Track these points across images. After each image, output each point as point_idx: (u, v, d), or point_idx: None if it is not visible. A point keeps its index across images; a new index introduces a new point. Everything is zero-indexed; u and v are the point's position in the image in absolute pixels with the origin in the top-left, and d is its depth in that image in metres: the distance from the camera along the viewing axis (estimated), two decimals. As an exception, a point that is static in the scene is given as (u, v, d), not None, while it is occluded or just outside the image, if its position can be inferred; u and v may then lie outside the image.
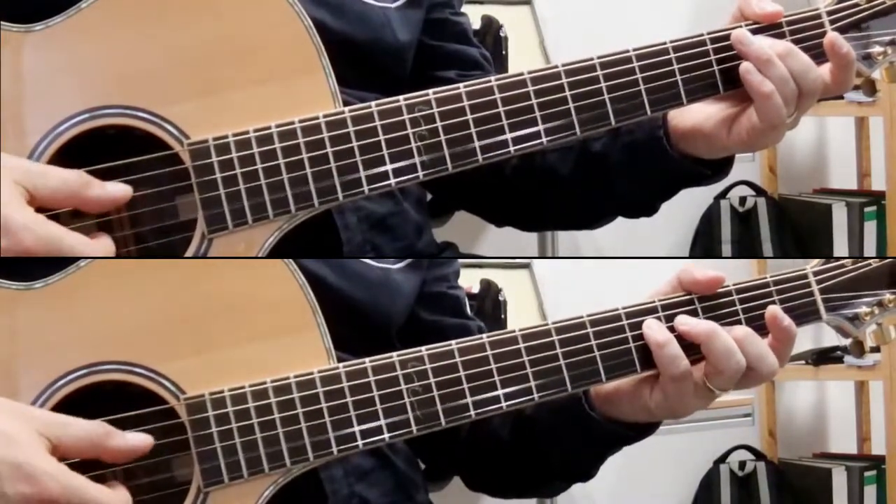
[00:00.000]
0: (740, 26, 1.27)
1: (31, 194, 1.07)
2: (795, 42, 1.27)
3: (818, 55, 1.27)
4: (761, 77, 1.24)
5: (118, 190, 1.12)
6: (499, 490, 1.45)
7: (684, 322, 1.23)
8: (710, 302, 1.25)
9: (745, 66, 1.25)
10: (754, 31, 1.27)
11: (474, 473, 1.43)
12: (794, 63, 1.25)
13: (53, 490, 1.02)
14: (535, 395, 1.20)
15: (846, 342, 1.35)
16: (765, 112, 1.25)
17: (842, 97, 3.19)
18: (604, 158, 1.39)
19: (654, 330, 1.22)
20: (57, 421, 1.06)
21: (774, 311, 1.24)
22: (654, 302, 1.24)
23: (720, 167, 1.36)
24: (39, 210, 1.08)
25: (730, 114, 1.29)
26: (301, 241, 1.19)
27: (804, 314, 1.27)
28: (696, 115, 1.31)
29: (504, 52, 2.64)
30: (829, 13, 1.29)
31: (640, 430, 1.30)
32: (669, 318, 1.24)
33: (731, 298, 1.25)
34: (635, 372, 1.23)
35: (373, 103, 1.18)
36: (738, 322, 1.25)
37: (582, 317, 1.23)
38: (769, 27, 1.28)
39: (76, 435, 1.06)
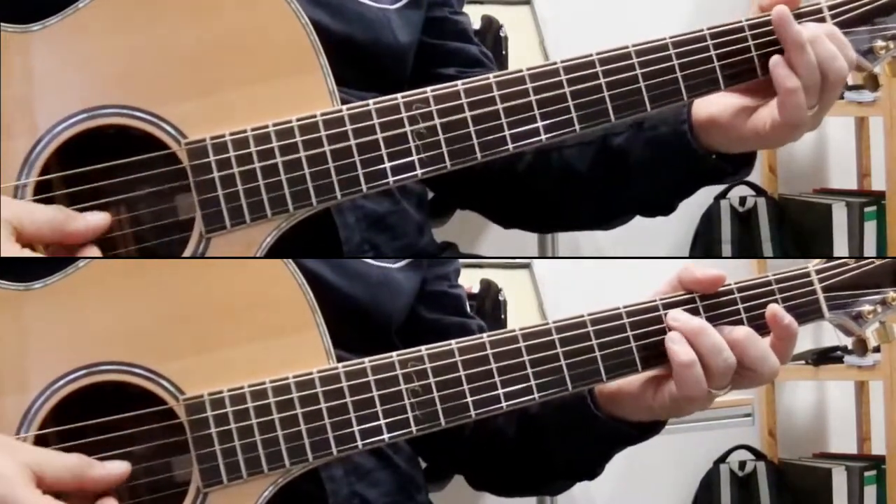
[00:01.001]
0: (740, 22, 1.27)
1: (17, 231, 1.09)
2: None
3: None
4: (788, 72, 1.24)
5: (97, 219, 1.13)
6: (503, 488, 1.45)
7: (675, 318, 1.23)
8: (711, 301, 1.24)
9: (775, 59, 1.24)
10: (754, 25, 1.26)
11: (479, 472, 1.43)
12: (822, 49, 1.24)
13: None
14: (536, 395, 1.20)
15: (847, 341, 1.34)
16: (787, 108, 1.24)
17: (842, 97, 3.19)
18: (625, 154, 1.38)
19: (679, 350, 1.21)
20: (38, 454, 1.08)
21: (775, 309, 1.24)
22: (654, 301, 1.24)
23: (742, 163, 1.36)
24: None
25: (749, 105, 1.28)
26: (300, 241, 1.19)
27: (806, 313, 1.27)
28: (714, 105, 1.31)
29: (504, 52, 2.64)
30: (831, 7, 1.28)
31: (645, 429, 1.29)
32: None
33: (732, 297, 1.25)
34: (636, 371, 1.23)
35: (370, 101, 1.18)
36: (740, 321, 1.24)
37: (583, 316, 1.22)
38: (767, 23, 1.27)
39: (57, 468, 1.07)
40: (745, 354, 1.21)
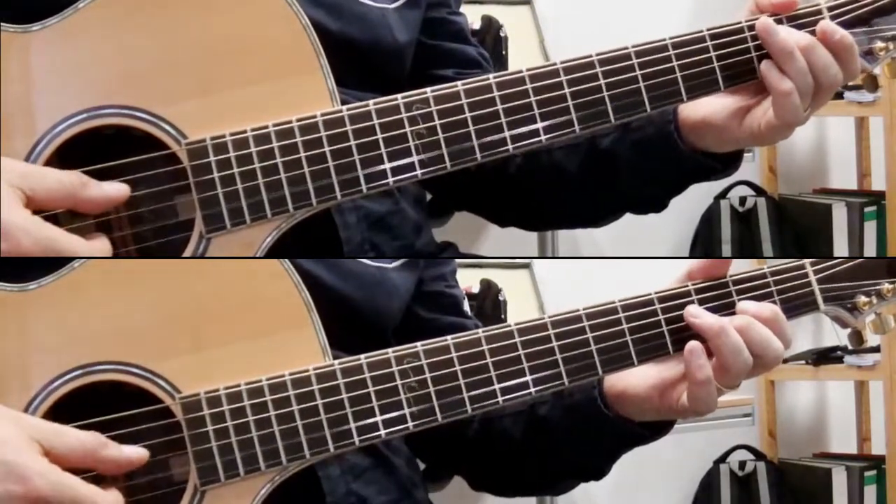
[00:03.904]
0: (739, 23, 1.27)
1: (27, 196, 1.07)
2: None
3: None
4: (781, 75, 1.24)
5: (115, 189, 1.12)
6: (507, 489, 1.45)
7: (695, 314, 1.23)
8: (707, 294, 1.24)
9: (766, 64, 1.25)
10: (754, 26, 1.26)
11: (483, 473, 1.43)
12: (816, 58, 1.25)
13: (43, 488, 1.02)
14: (532, 390, 1.20)
15: (845, 336, 1.34)
16: (782, 109, 1.24)
17: (842, 97, 3.19)
18: (612, 155, 1.39)
19: (699, 366, 1.20)
20: (51, 429, 1.06)
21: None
22: (650, 294, 1.24)
23: (730, 161, 1.36)
24: (37, 212, 1.08)
25: (742, 106, 1.29)
26: (300, 241, 1.19)
27: (802, 305, 1.26)
28: (707, 107, 1.31)
29: (504, 52, 2.64)
30: (830, 9, 1.28)
31: (655, 429, 1.30)
32: (667, 311, 1.23)
33: (728, 290, 1.25)
34: (632, 365, 1.22)
35: (371, 102, 1.18)
36: (734, 314, 1.24)
37: (578, 310, 1.22)
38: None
39: (70, 444, 1.06)
40: (748, 341, 1.21)
